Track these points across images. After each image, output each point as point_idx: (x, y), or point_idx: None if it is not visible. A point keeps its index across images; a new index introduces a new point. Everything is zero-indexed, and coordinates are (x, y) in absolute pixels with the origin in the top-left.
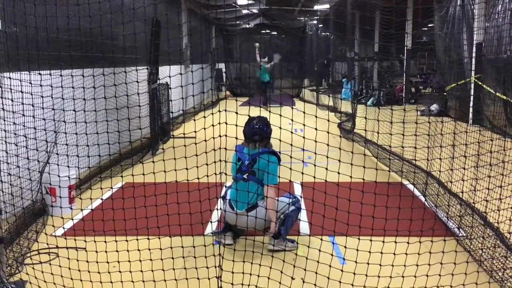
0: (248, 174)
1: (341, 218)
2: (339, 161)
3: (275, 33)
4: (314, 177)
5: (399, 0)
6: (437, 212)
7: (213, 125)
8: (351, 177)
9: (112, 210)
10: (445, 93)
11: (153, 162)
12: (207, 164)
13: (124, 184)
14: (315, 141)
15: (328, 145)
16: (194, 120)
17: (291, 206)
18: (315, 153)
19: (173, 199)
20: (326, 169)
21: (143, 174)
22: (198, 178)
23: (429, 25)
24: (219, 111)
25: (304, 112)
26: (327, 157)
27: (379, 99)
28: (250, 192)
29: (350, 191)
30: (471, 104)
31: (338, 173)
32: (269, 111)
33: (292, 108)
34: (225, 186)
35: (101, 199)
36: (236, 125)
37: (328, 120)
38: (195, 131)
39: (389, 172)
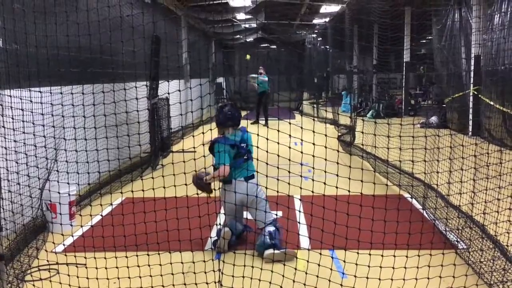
0: (247, 155)
1: (340, 232)
2: (337, 175)
3: (274, 47)
4: (313, 192)
5: (397, 14)
6: (436, 225)
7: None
8: (349, 191)
9: (112, 226)
10: (444, 105)
11: (152, 178)
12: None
13: (123, 200)
14: (313, 156)
15: (325, 159)
16: (193, 136)
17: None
18: (313, 168)
19: (172, 215)
20: (324, 183)
21: (143, 190)
22: (197, 194)
23: (428, 38)
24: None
25: (301, 128)
26: (325, 171)
27: (378, 112)
28: (249, 167)
29: (348, 205)
30: (470, 116)
31: (336, 187)
32: (267, 127)
33: (290, 124)
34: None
35: (101, 215)
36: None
37: (326, 135)
38: (194, 147)
39: (387, 186)
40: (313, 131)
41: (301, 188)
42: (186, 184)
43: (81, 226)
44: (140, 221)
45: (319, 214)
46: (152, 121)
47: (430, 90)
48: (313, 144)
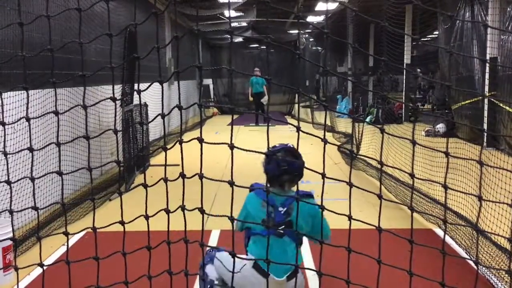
0: (284, 226)
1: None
2: (349, 201)
3: (264, 47)
4: (321, 229)
5: (399, 12)
6: (485, 275)
7: (201, 152)
8: (377, 226)
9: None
10: (447, 111)
11: (121, 208)
12: (201, 209)
13: (84, 235)
14: (323, 175)
15: (325, 176)
16: (180, 142)
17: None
18: (322, 178)
19: (146, 257)
20: (334, 212)
21: (106, 226)
22: (185, 221)
23: (428, 36)
24: (200, 138)
25: (297, 130)
26: (322, 192)
27: (377, 117)
28: (290, 252)
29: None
30: (485, 124)
31: (349, 218)
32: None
33: (287, 123)
34: (209, 250)
35: (42, 266)
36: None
37: (325, 143)
38: (179, 165)
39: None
40: (311, 135)
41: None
42: (168, 212)
43: (18, 283)
44: (104, 268)
45: (329, 254)
46: (127, 132)
47: (430, 94)
48: (328, 157)
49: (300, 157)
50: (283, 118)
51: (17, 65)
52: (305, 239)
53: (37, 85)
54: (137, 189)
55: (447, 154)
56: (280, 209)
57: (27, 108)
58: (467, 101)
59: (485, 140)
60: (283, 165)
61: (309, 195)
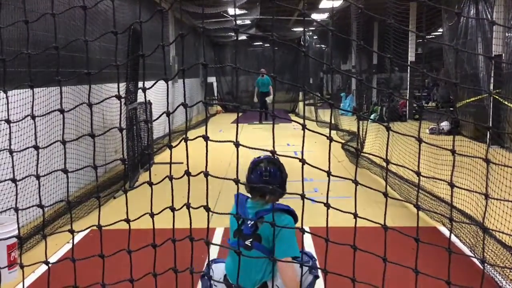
0: (252, 239)
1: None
2: (355, 199)
3: (268, 45)
4: (327, 227)
5: (404, 9)
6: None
7: (207, 150)
8: (383, 224)
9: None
10: (451, 108)
11: (126, 205)
12: (207, 207)
13: (88, 233)
14: (328, 173)
15: (330, 174)
16: (185, 140)
17: (309, 276)
18: (328, 175)
19: (151, 255)
20: (338, 210)
21: (110, 224)
22: (190, 219)
23: (433, 34)
24: (204, 137)
25: (303, 128)
26: (328, 190)
27: (381, 115)
28: (255, 266)
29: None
30: (490, 122)
31: (355, 216)
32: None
33: (290, 121)
34: (208, 261)
35: (47, 264)
36: (238, 145)
37: (330, 140)
38: (183, 163)
39: (417, 212)
40: (313, 131)
41: (303, 210)
42: (173, 210)
43: (23, 280)
44: (109, 265)
45: (334, 253)
46: (130, 130)
47: (434, 92)
48: (331, 157)
49: (283, 170)
50: (287, 116)
51: (21, 63)
52: None
53: (41, 83)
54: (141, 187)
55: (453, 152)
56: (249, 221)
57: (33, 106)
58: (471, 99)
59: (488, 137)
60: (265, 175)
61: (285, 211)
